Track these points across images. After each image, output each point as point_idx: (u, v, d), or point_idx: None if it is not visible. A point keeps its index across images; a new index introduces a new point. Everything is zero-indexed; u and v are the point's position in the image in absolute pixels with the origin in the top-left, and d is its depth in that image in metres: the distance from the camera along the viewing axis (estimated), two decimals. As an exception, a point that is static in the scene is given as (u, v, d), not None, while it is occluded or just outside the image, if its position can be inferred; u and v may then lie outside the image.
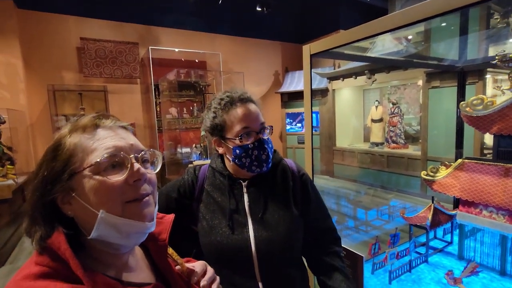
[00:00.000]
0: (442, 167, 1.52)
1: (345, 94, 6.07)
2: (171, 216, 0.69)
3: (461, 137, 2.07)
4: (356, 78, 5.35)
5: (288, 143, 6.72)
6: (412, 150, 4.87)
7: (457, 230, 1.60)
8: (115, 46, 5.13)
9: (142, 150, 0.57)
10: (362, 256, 1.13)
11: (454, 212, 1.61)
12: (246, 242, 0.86)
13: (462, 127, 2.06)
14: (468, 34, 2.34)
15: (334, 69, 5.88)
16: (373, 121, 5.51)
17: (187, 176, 0.99)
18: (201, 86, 5.75)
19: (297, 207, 0.95)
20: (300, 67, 7.06)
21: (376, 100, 5.58)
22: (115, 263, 0.56)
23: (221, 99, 0.91)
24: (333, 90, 5.91)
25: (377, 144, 5.43)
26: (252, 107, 0.90)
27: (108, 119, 0.58)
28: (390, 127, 5.24)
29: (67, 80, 4.87)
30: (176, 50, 5.64)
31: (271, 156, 0.91)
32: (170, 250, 0.71)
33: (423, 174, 1.57)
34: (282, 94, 6.66)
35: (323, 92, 6.05)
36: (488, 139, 3.85)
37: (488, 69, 3.34)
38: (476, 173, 1.37)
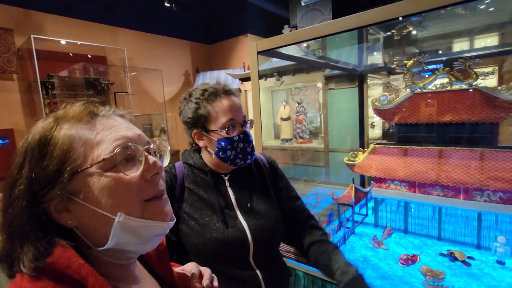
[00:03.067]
0: (359, 152, 1.82)
1: (256, 94, 6.42)
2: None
3: (363, 128, 2.53)
4: (266, 79, 5.74)
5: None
6: (316, 144, 5.57)
7: (371, 204, 1.95)
8: (-23, 31, 4.00)
9: (149, 142, 0.50)
10: (316, 235, 1.27)
11: (367, 189, 1.96)
12: (243, 232, 0.87)
13: (363, 121, 2.51)
14: (358, 45, 2.88)
15: (245, 70, 6.15)
16: (282, 119, 6.03)
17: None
18: (102, 85, 5.08)
19: (275, 194, 1.00)
20: (210, 68, 7.08)
21: (284, 100, 6.13)
22: (124, 276, 0.48)
23: (204, 90, 0.88)
24: (245, 90, 6.16)
25: (287, 140, 5.97)
26: (236, 100, 0.91)
27: (103, 106, 0.49)
28: (297, 124, 5.86)
29: None
30: (64, 41, 4.77)
31: (253, 149, 0.94)
32: None
33: (345, 159, 1.85)
34: (195, 94, 6.54)
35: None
36: (371, 132, 4.79)
37: (370, 75, 4.14)
38: (385, 155, 1.71)
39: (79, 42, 4.90)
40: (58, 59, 4.74)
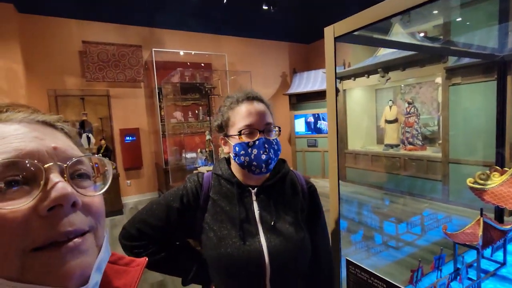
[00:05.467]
0: (495, 173, 1.26)
1: (357, 94, 5.81)
2: (143, 262, 0.47)
3: (503, 136, 1.80)
4: (368, 77, 5.10)
5: (297, 146, 6.47)
6: (431, 152, 4.57)
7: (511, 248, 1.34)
8: (118, 49, 4.99)
9: (75, 157, 0.35)
10: (410, 292, 0.89)
11: (508, 227, 1.35)
12: (259, 252, 0.80)
13: (504, 126, 1.79)
14: (501, 24, 2.09)
15: (345, 68, 5.63)
16: (387, 122, 5.24)
17: (190, 184, 0.91)
18: (206, 89, 5.57)
19: (304, 221, 0.91)
20: (307, 68, 6.83)
21: (390, 100, 5.31)
22: None
23: (229, 97, 0.90)
24: (344, 90, 5.65)
25: (392, 146, 5.15)
26: (258, 105, 0.87)
27: (19, 111, 0.36)
28: (406, 127, 4.96)
29: (69, 84, 4.74)
30: (181, 52, 5.48)
31: (273, 158, 0.85)
32: None
33: (469, 182, 1.32)
34: (290, 95, 6.43)
35: (333, 92, 5.81)
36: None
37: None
38: (542, 181, 1.11)
39: (189, 52, 5.52)
40: (174, 68, 5.44)
